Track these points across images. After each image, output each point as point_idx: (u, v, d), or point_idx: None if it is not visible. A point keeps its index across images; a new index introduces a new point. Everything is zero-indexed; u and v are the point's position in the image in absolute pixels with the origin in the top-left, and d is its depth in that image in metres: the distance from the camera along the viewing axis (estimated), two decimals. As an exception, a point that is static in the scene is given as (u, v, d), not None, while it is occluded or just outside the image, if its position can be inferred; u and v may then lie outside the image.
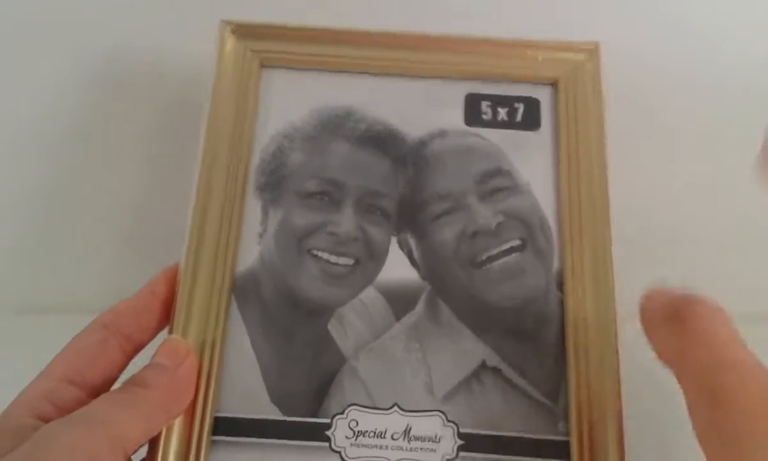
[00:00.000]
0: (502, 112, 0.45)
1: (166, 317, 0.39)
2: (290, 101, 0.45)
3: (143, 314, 0.39)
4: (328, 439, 0.37)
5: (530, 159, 0.44)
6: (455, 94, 0.45)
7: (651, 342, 0.34)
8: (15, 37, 0.53)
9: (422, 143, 0.44)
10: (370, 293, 0.41)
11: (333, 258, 0.41)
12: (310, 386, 0.39)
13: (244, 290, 0.40)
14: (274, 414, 0.38)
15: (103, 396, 0.34)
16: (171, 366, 0.37)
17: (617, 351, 0.38)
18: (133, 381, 0.36)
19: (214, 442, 0.37)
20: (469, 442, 0.37)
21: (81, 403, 0.34)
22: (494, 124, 0.44)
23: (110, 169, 0.54)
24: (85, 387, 0.36)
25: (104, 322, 0.38)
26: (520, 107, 0.45)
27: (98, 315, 0.38)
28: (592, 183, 0.42)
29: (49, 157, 0.54)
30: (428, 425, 0.38)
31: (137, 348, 0.38)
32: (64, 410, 0.34)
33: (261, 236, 0.42)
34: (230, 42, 0.46)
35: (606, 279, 0.40)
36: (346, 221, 0.41)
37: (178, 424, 0.37)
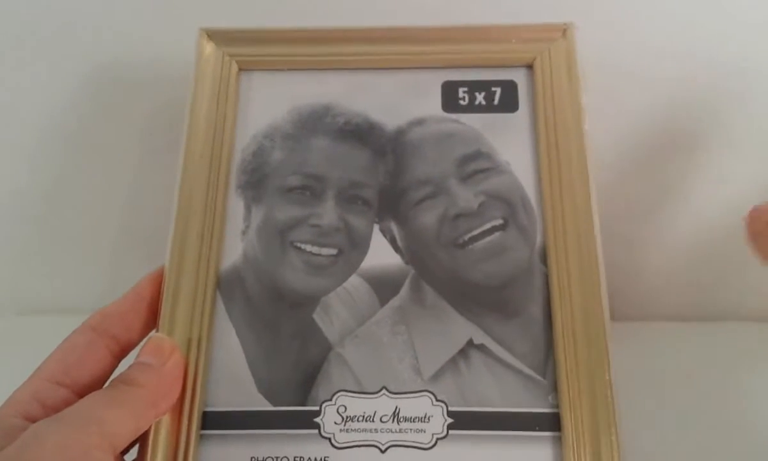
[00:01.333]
0: (480, 97, 0.45)
1: (153, 318, 0.39)
2: (269, 102, 0.45)
3: (130, 315, 0.39)
4: (317, 426, 0.37)
5: (509, 140, 0.44)
6: (432, 83, 0.46)
7: (758, 251, 0.36)
8: (5, 46, 0.55)
9: (401, 132, 0.44)
10: (354, 281, 0.41)
11: (316, 249, 0.41)
12: (298, 375, 0.38)
13: (228, 286, 0.41)
14: (262, 405, 0.38)
15: (90, 395, 0.35)
16: (157, 363, 0.37)
17: (604, 320, 0.38)
18: (120, 380, 0.36)
19: (203, 436, 0.37)
20: (459, 420, 0.37)
21: (69, 403, 0.34)
22: (472, 108, 0.45)
23: (107, 172, 0.55)
24: (73, 387, 0.36)
25: (92, 324, 0.38)
26: (497, 91, 0.45)
27: (87, 318, 0.39)
28: (571, 159, 0.42)
29: (47, 160, 0.55)
30: (417, 406, 0.37)
31: (125, 349, 0.39)
32: (53, 410, 0.34)
33: (244, 233, 0.42)
34: (208, 48, 0.46)
35: (590, 251, 0.40)
36: (327, 213, 0.41)
37: (166, 420, 0.37)
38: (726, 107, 0.51)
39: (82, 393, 0.36)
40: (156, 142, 0.54)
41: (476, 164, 0.43)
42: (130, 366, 0.36)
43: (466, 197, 0.42)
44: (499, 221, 0.41)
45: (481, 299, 0.40)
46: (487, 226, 0.41)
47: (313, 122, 0.44)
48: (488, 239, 0.41)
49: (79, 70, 0.54)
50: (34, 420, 0.33)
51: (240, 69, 0.46)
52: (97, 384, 0.37)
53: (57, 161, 0.55)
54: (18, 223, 0.54)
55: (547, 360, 0.38)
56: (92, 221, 0.54)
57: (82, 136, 0.55)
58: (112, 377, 0.37)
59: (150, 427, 0.36)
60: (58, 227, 0.54)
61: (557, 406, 0.37)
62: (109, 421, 0.33)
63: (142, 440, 0.36)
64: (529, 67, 0.45)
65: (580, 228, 0.40)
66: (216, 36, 0.47)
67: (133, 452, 0.37)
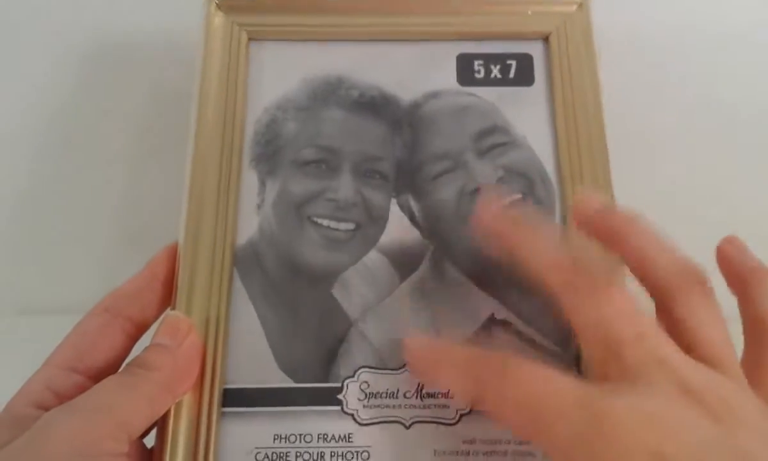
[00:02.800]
0: (495, 70, 0.44)
1: (168, 296, 0.39)
2: (281, 73, 0.44)
3: (144, 295, 0.38)
4: (339, 403, 0.37)
5: (526, 114, 0.43)
6: (446, 55, 0.45)
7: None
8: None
9: (416, 105, 0.43)
10: (373, 257, 0.40)
11: (333, 224, 0.40)
12: (319, 352, 0.38)
13: (245, 262, 0.40)
14: (284, 382, 0.37)
15: (104, 381, 0.34)
16: (172, 345, 0.36)
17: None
18: (135, 364, 0.35)
19: (224, 414, 0.37)
20: None
21: (83, 390, 0.33)
22: (488, 82, 0.44)
23: (108, 165, 0.54)
24: (88, 373, 0.36)
25: (105, 306, 0.37)
26: (513, 64, 0.45)
27: (100, 300, 0.38)
28: (589, 132, 0.42)
29: (47, 156, 0.54)
30: None
31: (140, 330, 0.38)
32: (65, 397, 0.33)
33: (259, 207, 0.41)
34: (217, 17, 0.45)
35: None
36: (344, 186, 0.41)
37: (187, 400, 0.36)
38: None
39: (96, 378, 0.35)
40: (160, 132, 0.53)
41: (493, 138, 0.42)
42: (146, 349, 0.36)
43: (485, 171, 0.41)
44: (518, 196, 0.41)
45: (502, 274, 0.40)
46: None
47: (327, 94, 0.44)
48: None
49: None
50: (47, 409, 0.32)
51: (250, 39, 0.45)
52: (111, 368, 0.36)
53: (56, 160, 0.54)
54: (17, 222, 0.53)
55: (569, 333, 0.38)
56: (93, 219, 0.53)
57: (75, 126, 0.54)
58: (128, 359, 0.36)
59: (169, 409, 0.36)
60: (59, 226, 0.53)
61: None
62: (123, 408, 0.33)
63: (161, 421, 0.36)
64: (545, 40, 0.45)
65: None
66: (225, 5, 0.45)
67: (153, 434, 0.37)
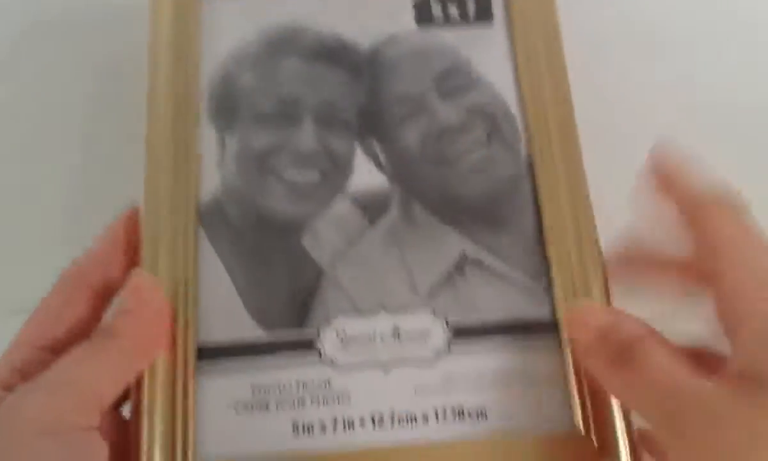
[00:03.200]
0: (453, 9, 0.44)
1: (132, 260, 0.38)
2: (234, 26, 0.43)
3: (107, 260, 0.37)
4: (316, 350, 0.37)
5: (487, 54, 0.43)
6: None
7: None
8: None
9: (376, 51, 0.43)
10: (341, 205, 0.40)
11: (297, 175, 0.40)
12: (292, 301, 0.38)
13: (210, 219, 0.39)
14: (258, 333, 0.37)
15: (67, 354, 0.33)
16: (137, 308, 0.35)
17: (592, 220, 0.38)
18: (98, 331, 0.34)
19: (201, 370, 0.36)
20: (460, 333, 0.37)
21: (47, 365, 0.32)
22: (446, 22, 0.44)
23: (105, 170, 0.52)
24: (54, 348, 0.34)
25: (67, 277, 0.36)
26: (471, 2, 0.44)
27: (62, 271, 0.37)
28: (551, 68, 0.42)
29: (47, 157, 0.53)
30: (416, 321, 0.37)
31: (106, 298, 0.37)
32: (30, 376, 0.32)
33: (219, 164, 0.40)
34: (166, -28, 0.44)
35: (575, 155, 0.40)
36: (306, 137, 0.40)
37: (160, 362, 0.35)
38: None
39: (63, 351, 0.34)
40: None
41: (455, 79, 0.42)
42: (110, 314, 0.35)
43: (448, 112, 0.41)
44: (483, 136, 0.41)
45: (471, 213, 0.40)
46: (472, 141, 0.41)
47: (284, 44, 0.43)
48: (473, 154, 0.40)
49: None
50: (12, 389, 0.32)
51: (200, -8, 0.44)
52: (79, 340, 0.34)
53: (55, 160, 0.53)
54: (15, 221, 0.52)
55: (541, 266, 0.38)
56: (92, 221, 0.52)
57: (84, 130, 0.53)
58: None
59: (142, 374, 0.35)
60: (56, 225, 0.52)
61: (555, 312, 0.37)
62: (89, 380, 0.32)
63: (135, 387, 0.35)
64: (501, -26, 0.45)
65: (564, 135, 0.40)
66: (172, -40, 0.44)
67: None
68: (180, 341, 0.36)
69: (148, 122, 0.40)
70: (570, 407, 0.35)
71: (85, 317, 0.36)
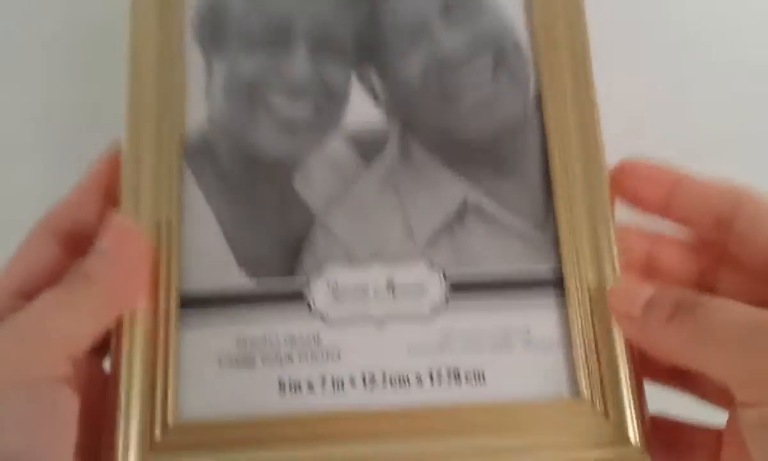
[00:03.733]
0: None
1: (110, 205, 0.35)
2: None
3: (82, 206, 0.35)
4: (306, 302, 0.35)
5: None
6: None
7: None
8: None
9: None
10: (334, 144, 0.37)
11: (289, 105, 0.37)
12: (281, 248, 0.35)
13: (196, 156, 0.36)
14: (245, 282, 0.35)
15: (40, 298, 0.31)
16: (115, 250, 0.33)
17: (605, 172, 0.35)
18: (72, 274, 0.32)
19: (182, 321, 0.34)
20: (458, 287, 0.35)
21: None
22: None
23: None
24: (25, 294, 0.32)
25: (41, 223, 0.34)
26: None
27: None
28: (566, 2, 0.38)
29: (46, 158, 0.51)
30: (412, 273, 0.35)
31: (81, 243, 0.34)
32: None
33: (207, 92, 0.37)
34: None
35: (588, 95, 0.37)
36: (298, 63, 0.37)
37: (140, 310, 0.33)
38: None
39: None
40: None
41: (462, 5, 0.38)
42: (87, 255, 0.32)
43: (452, 41, 0.38)
44: (489, 69, 0.37)
45: (474, 154, 0.37)
46: (477, 75, 0.37)
47: None
48: (478, 89, 0.37)
49: None
50: None
51: None
52: (52, 283, 0.32)
53: (55, 160, 0.51)
54: (16, 222, 0.50)
55: (547, 217, 0.36)
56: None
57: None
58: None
59: (122, 317, 0.33)
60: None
61: (560, 264, 0.35)
62: (59, 326, 0.30)
63: (114, 335, 0.33)
64: None
65: (577, 74, 0.37)
66: None
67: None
68: (162, 289, 0.34)
69: (131, 51, 0.37)
70: (574, 371, 0.33)
71: (58, 261, 0.34)
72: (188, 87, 0.37)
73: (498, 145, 0.37)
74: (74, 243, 0.34)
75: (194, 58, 0.38)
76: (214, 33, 0.38)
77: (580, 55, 0.37)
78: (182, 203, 0.36)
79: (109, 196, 0.35)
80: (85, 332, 0.31)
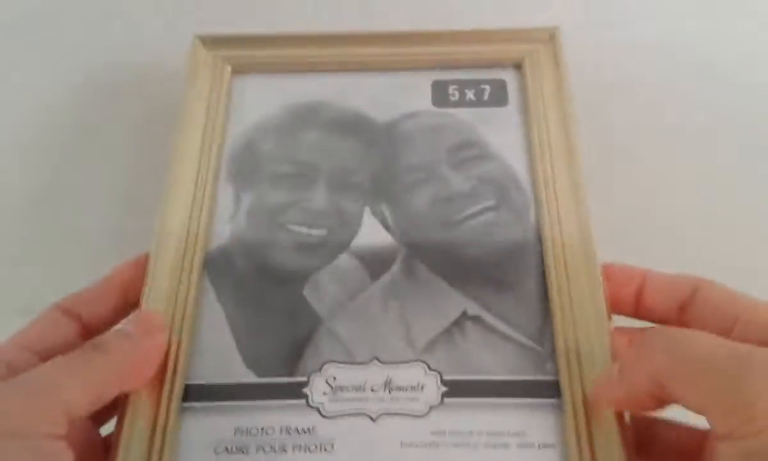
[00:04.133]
0: (470, 94, 0.45)
1: (125, 304, 0.38)
2: (262, 100, 0.46)
3: (99, 299, 0.37)
4: (304, 396, 0.35)
5: (500, 130, 0.44)
6: (422, 82, 0.46)
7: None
8: (5, 47, 0.58)
9: (393, 124, 0.44)
10: (344, 259, 0.40)
11: (305, 230, 0.40)
12: (286, 349, 0.37)
13: (216, 265, 0.40)
14: (248, 377, 0.36)
15: (55, 359, 0.32)
16: (137, 334, 0.35)
17: (602, 286, 0.37)
18: (92, 344, 0.33)
19: (185, 409, 0.35)
20: (454, 388, 0.35)
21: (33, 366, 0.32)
22: (462, 104, 0.45)
23: (105, 171, 0.55)
24: (40, 355, 0.34)
25: (59, 304, 0.37)
26: (487, 88, 0.46)
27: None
28: (563, 141, 0.42)
29: (45, 160, 0.55)
30: (410, 374, 0.36)
31: (91, 333, 0.36)
32: (17, 371, 0.32)
33: (232, 217, 0.41)
34: (202, 52, 0.47)
35: (584, 225, 0.39)
36: (318, 197, 0.41)
37: (146, 394, 0.35)
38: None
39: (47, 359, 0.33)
40: (152, 142, 0.55)
41: (467, 151, 0.43)
42: (109, 332, 0.35)
43: (458, 180, 0.41)
44: (491, 202, 0.41)
45: (476, 274, 0.39)
46: (480, 206, 0.41)
47: (305, 117, 0.45)
48: (481, 217, 0.40)
49: (76, 72, 0.56)
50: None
51: (234, 71, 0.47)
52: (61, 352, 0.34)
53: (54, 161, 0.55)
54: (17, 222, 0.54)
55: (544, 329, 0.37)
56: (93, 221, 0.53)
57: (81, 135, 0.56)
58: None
59: (128, 400, 0.34)
60: (58, 226, 0.54)
61: (556, 373, 0.35)
62: (65, 388, 0.31)
63: (119, 413, 0.34)
64: (518, 67, 0.46)
65: (575, 203, 0.40)
66: (210, 41, 0.47)
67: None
68: (168, 378, 0.35)
69: (170, 174, 0.42)
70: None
71: (67, 338, 0.36)
72: (217, 211, 0.41)
73: (498, 266, 0.39)
74: (87, 331, 0.36)
75: (225, 189, 0.42)
76: (246, 171, 0.43)
77: (576, 186, 0.40)
78: (198, 305, 0.38)
79: (128, 295, 0.38)
80: (87, 398, 0.32)
